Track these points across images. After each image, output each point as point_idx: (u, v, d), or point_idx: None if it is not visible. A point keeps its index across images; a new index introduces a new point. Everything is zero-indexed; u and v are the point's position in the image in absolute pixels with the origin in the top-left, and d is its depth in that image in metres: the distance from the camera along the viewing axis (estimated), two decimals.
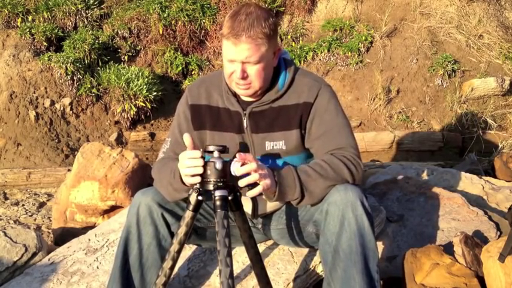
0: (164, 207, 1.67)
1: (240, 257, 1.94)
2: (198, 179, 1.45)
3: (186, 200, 1.52)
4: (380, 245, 2.14)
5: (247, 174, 1.45)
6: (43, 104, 4.93)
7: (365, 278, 1.49)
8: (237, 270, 1.88)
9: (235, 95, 1.73)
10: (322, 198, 1.60)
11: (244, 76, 1.58)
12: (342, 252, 1.52)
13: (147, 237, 1.67)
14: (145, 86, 4.89)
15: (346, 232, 1.52)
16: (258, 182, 1.47)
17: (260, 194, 1.71)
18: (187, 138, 1.49)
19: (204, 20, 5.63)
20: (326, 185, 1.57)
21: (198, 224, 1.79)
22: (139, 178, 2.87)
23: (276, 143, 1.70)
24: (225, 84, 1.73)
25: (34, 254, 2.10)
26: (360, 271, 1.49)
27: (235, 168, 1.43)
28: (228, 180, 1.44)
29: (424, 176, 2.88)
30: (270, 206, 1.79)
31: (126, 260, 1.67)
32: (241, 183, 1.45)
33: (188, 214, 1.48)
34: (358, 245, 1.51)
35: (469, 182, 2.79)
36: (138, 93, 4.88)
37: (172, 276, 1.62)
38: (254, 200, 1.74)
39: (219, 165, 1.42)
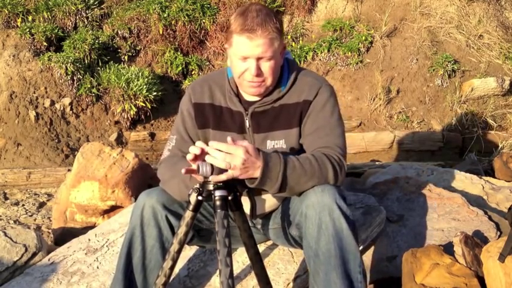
0: (169, 208, 1.65)
1: (240, 257, 1.94)
2: (222, 177, 1.41)
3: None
4: (380, 245, 2.14)
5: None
6: (43, 104, 4.92)
7: (345, 282, 1.48)
8: (237, 270, 1.88)
9: (237, 94, 1.73)
10: (300, 192, 1.58)
11: (259, 73, 1.58)
12: (322, 255, 1.50)
13: (151, 239, 1.65)
14: (145, 86, 4.89)
15: (324, 236, 1.50)
16: (226, 168, 1.41)
17: (258, 194, 1.72)
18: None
19: (204, 20, 5.63)
20: (308, 183, 1.55)
21: (202, 226, 1.78)
22: (140, 178, 2.87)
23: (276, 142, 1.70)
24: (228, 84, 1.73)
25: (34, 254, 2.10)
26: (340, 275, 1.48)
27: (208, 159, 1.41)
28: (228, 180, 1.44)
29: (424, 176, 2.88)
30: (269, 206, 1.79)
31: (129, 261, 1.66)
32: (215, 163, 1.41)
33: (188, 214, 1.48)
34: (337, 248, 1.49)
35: (469, 182, 2.79)
36: (138, 93, 4.88)
37: (172, 276, 1.62)
38: (252, 200, 1.74)
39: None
